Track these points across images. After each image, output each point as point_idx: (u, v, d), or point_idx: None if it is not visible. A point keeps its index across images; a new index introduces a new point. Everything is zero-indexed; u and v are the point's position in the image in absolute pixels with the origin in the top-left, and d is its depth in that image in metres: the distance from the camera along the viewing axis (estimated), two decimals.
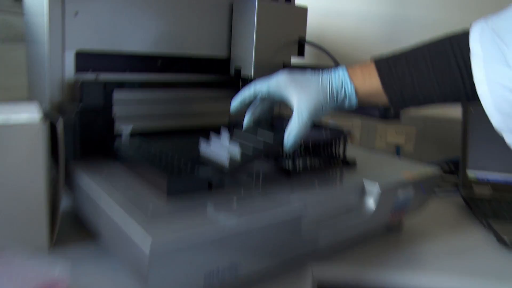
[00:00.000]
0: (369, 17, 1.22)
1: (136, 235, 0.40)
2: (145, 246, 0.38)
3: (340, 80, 0.56)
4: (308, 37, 0.88)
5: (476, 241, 0.73)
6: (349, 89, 0.56)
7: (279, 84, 0.57)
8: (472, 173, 0.93)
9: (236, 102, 0.61)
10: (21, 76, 0.89)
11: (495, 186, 0.92)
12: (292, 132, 0.54)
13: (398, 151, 1.20)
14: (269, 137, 0.57)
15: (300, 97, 0.55)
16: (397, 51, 0.57)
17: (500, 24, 0.48)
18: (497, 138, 0.50)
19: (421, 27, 1.18)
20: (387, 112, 0.65)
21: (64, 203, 0.64)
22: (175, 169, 0.50)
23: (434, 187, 0.72)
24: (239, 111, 0.62)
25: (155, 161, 0.53)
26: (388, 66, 0.55)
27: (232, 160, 0.52)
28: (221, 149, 0.55)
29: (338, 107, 0.58)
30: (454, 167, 1.07)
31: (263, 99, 0.62)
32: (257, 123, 0.63)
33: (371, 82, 0.56)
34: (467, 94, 0.52)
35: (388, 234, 0.71)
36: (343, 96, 0.56)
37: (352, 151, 0.75)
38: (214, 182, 0.50)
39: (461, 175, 0.94)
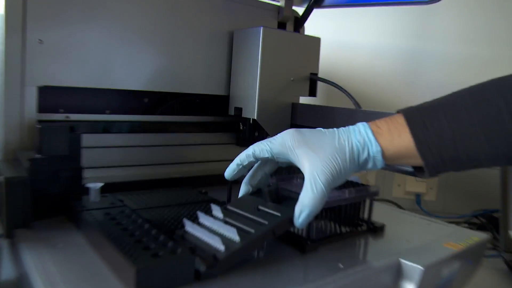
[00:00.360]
0: (384, 51, 1.10)
1: None
2: None
3: (362, 139, 0.44)
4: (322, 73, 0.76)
5: None
6: (374, 150, 0.44)
7: (285, 145, 0.45)
8: None
9: (231, 169, 0.48)
10: None
11: None
12: (306, 207, 0.41)
13: (418, 200, 1.06)
14: (275, 210, 0.44)
15: (313, 161, 0.43)
16: (429, 101, 0.45)
17: None
18: None
19: (440, 61, 1.06)
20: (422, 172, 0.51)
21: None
22: (148, 255, 0.36)
23: (482, 257, 0.58)
24: (236, 178, 0.49)
25: (124, 239, 0.39)
26: (422, 119, 0.43)
27: (229, 243, 0.39)
28: (213, 229, 0.42)
29: (360, 169, 0.45)
30: (488, 222, 0.93)
31: (264, 162, 0.49)
32: (256, 193, 0.50)
33: (400, 141, 0.44)
34: None
35: None
36: (365, 158, 0.44)
37: (377, 209, 0.61)
38: (204, 272, 0.36)
39: (502, 238, 0.79)
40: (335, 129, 0.46)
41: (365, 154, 0.44)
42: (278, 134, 0.47)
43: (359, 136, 0.44)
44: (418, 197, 1.06)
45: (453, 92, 0.44)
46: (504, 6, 1.03)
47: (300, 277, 0.41)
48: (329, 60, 1.10)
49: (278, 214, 0.43)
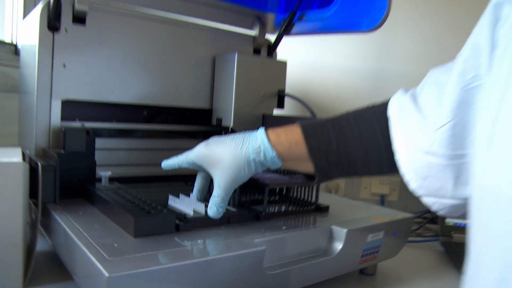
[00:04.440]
0: (352, 72, 1.27)
1: (98, 273, 0.41)
2: (103, 281, 0.39)
3: (258, 145, 0.55)
4: (294, 90, 0.93)
5: (450, 284, 0.73)
6: (270, 154, 0.54)
7: (199, 157, 0.57)
8: (450, 221, 0.94)
9: (170, 166, 0.61)
10: (16, 124, 0.93)
11: None
12: (212, 205, 0.54)
13: (382, 201, 1.21)
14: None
15: (215, 172, 0.55)
16: (322, 118, 0.57)
17: (417, 92, 0.51)
18: None
19: (400, 79, 1.23)
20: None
21: (41, 245, 0.66)
22: (143, 211, 0.52)
23: (408, 232, 0.74)
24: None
25: (126, 204, 0.55)
26: (315, 131, 0.55)
27: (196, 213, 0.56)
28: (188, 203, 0.58)
29: (262, 167, 0.56)
30: (437, 215, 1.08)
31: (200, 170, 0.62)
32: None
33: (297, 148, 0.55)
34: (389, 163, 0.52)
35: (363, 278, 0.71)
36: (262, 160, 0.55)
37: (334, 200, 0.78)
38: (181, 225, 0.53)
39: (440, 223, 0.95)
40: (236, 136, 0.56)
41: (262, 157, 0.54)
42: (196, 147, 0.58)
43: (255, 143, 0.54)
44: (382, 197, 1.22)
45: (341, 112, 0.56)
46: (454, 30, 1.21)
47: (254, 232, 0.56)
48: (305, 78, 1.28)
49: (234, 210, 0.61)
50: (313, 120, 0.57)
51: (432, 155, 0.45)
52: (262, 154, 0.54)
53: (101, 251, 0.44)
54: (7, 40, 1.03)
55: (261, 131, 0.56)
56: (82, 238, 0.48)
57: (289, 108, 0.96)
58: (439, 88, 0.47)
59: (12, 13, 1.02)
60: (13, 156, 0.58)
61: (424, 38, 1.23)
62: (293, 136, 0.55)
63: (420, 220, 1.08)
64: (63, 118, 0.74)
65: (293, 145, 0.55)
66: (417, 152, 0.47)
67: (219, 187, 0.54)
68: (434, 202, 0.48)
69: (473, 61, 0.42)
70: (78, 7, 0.71)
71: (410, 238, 0.95)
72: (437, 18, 1.22)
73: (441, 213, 0.49)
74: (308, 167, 0.56)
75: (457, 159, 0.44)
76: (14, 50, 1.03)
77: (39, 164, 0.60)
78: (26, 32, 0.79)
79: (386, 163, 0.53)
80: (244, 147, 0.55)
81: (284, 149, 0.55)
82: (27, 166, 0.58)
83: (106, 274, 0.39)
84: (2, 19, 1.02)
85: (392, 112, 0.52)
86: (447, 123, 0.44)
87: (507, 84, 0.35)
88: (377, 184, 1.22)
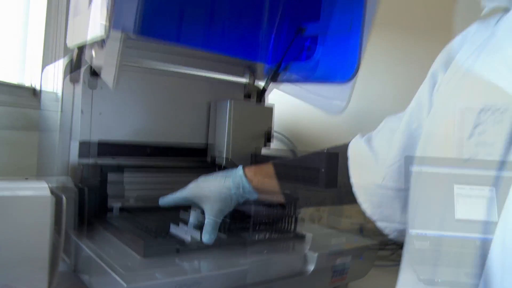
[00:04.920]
0: None
1: (117, 285, 0.53)
2: None
3: (237, 182, 0.66)
4: (283, 125, 1.06)
5: None
6: (247, 189, 0.66)
7: (190, 194, 0.68)
8: None
9: (163, 203, 0.72)
10: (32, 158, 1.05)
11: None
12: (205, 233, 0.65)
13: (361, 230, 1.33)
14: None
15: (206, 205, 0.67)
16: (293, 158, 0.70)
17: (373, 135, 0.64)
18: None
19: (379, 117, 1.36)
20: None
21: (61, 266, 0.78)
22: (151, 237, 0.64)
23: (374, 257, 0.85)
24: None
25: (135, 230, 0.67)
26: (284, 168, 0.67)
27: (192, 239, 0.68)
28: (186, 231, 0.70)
29: (242, 198, 0.68)
30: None
31: (193, 204, 0.72)
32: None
33: (269, 184, 0.66)
34: (347, 195, 0.64)
35: None
36: (241, 193, 0.66)
37: (313, 229, 0.90)
38: (180, 248, 0.64)
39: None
40: (219, 174, 0.68)
41: (241, 190, 0.66)
42: (187, 186, 0.70)
43: (235, 179, 0.66)
44: (361, 227, 1.33)
45: (310, 151, 0.69)
46: (425, 73, 1.35)
47: (240, 254, 0.68)
48: (293, 116, 1.41)
49: (225, 236, 0.72)
50: (284, 160, 0.70)
51: (384, 188, 0.58)
52: (241, 188, 0.66)
53: (118, 267, 0.56)
54: (27, 83, 1.16)
55: (239, 169, 0.68)
56: (101, 258, 0.60)
57: (278, 144, 1.09)
58: (391, 133, 0.60)
59: (32, 60, 1.15)
60: (42, 190, 0.70)
61: (399, 81, 1.37)
62: (266, 172, 0.68)
63: (394, 246, 1.20)
64: (79, 155, 0.86)
65: (266, 180, 0.67)
66: (371, 185, 0.59)
67: (209, 218, 0.66)
68: (385, 226, 0.60)
69: (417, 114, 0.55)
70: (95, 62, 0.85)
71: (383, 262, 1.06)
72: (409, 63, 1.37)
73: (391, 236, 0.61)
74: (280, 198, 0.68)
75: (404, 192, 0.56)
76: (33, 92, 1.16)
77: (63, 197, 0.72)
78: (49, 81, 0.93)
79: (344, 196, 0.65)
80: (226, 183, 0.66)
81: (259, 183, 0.67)
82: (54, 198, 0.70)
83: (125, 285, 0.51)
84: (23, 65, 1.16)
85: (351, 153, 0.65)
86: (395, 162, 0.57)
87: (429, 137, 0.47)
88: (358, 215, 1.33)
